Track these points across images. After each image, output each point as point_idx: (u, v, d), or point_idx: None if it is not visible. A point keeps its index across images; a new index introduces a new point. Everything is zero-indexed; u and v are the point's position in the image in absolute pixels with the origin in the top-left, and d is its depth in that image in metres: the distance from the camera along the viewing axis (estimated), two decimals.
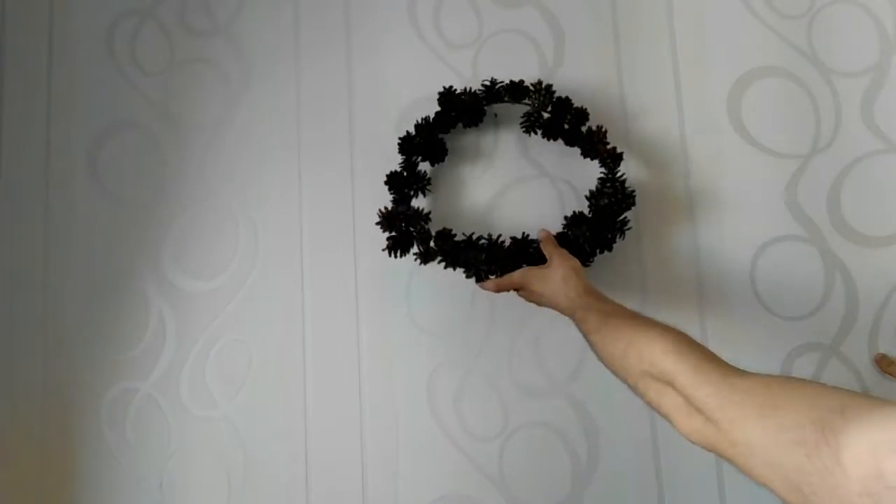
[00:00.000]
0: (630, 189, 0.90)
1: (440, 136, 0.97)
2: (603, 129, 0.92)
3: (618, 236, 0.90)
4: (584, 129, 0.93)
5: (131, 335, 1.03)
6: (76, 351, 1.04)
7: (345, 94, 1.05)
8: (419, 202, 0.96)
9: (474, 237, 0.91)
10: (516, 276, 0.85)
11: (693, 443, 0.54)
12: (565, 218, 0.91)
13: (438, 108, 0.95)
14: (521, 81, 0.94)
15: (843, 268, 0.95)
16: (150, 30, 1.10)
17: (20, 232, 1.07)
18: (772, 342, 0.95)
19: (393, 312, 1.00)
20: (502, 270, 0.88)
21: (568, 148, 0.96)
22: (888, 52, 0.98)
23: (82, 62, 1.10)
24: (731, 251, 0.97)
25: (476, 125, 0.97)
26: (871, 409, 0.40)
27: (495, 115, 0.99)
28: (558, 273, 0.80)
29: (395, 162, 0.95)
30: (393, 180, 0.94)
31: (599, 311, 0.72)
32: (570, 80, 1.01)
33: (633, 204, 0.90)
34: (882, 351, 0.93)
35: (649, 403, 0.60)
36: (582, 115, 0.93)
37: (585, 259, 0.89)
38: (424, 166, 0.97)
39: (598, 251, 0.90)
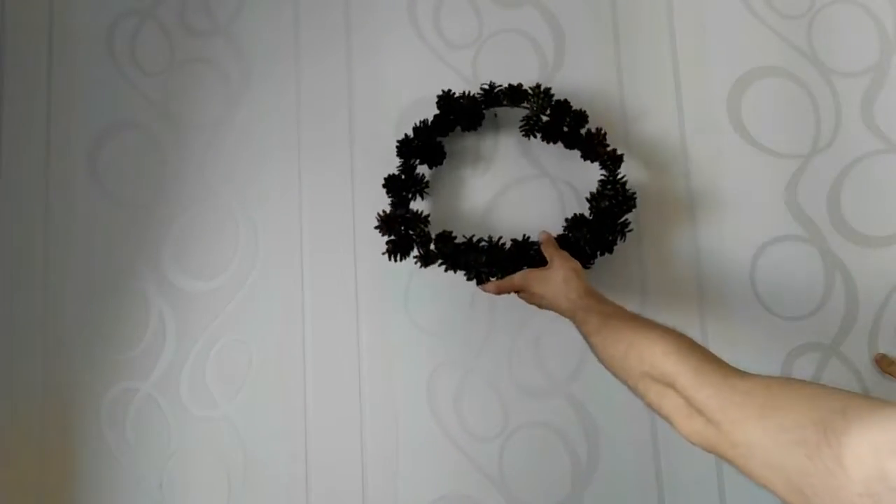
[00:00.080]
0: (631, 191, 0.90)
1: (438, 139, 0.97)
2: (602, 132, 0.92)
3: (618, 238, 0.90)
4: (583, 131, 0.93)
5: (131, 335, 1.03)
6: (76, 351, 1.04)
7: (345, 94, 1.05)
8: (418, 205, 0.96)
9: (474, 239, 0.90)
10: (517, 278, 0.85)
11: (694, 444, 0.54)
12: (566, 220, 0.91)
13: (437, 111, 0.95)
14: (520, 85, 0.94)
15: (843, 268, 0.95)
16: (150, 30, 1.10)
17: (20, 232, 1.07)
18: (772, 342, 0.95)
19: (393, 312, 1.00)
20: (503, 272, 0.88)
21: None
22: (888, 52, 0.98)
23: (82, 62, 1.10)
24: (731, 251, 0.97)
25: (475, 129, 0.97)
26: (872, 410, 0.40)
27: (495, 114, 0.99)
28: (559, 275, 0.80)
29: (395, 162, 0.95)
30: (391, 183, 0.94)
31: (600, 313, 0.71)
32: (570, 80, 1.01)
33: (634, 206, 0.90)
34: (882, 351, 0.93)
35: (650, 405, 0.60)
36: (581, 117, 0.93)
37: (586, 261, 0.89)
38: (423, 170, 0.97)
39: (598, 253, 0.90)
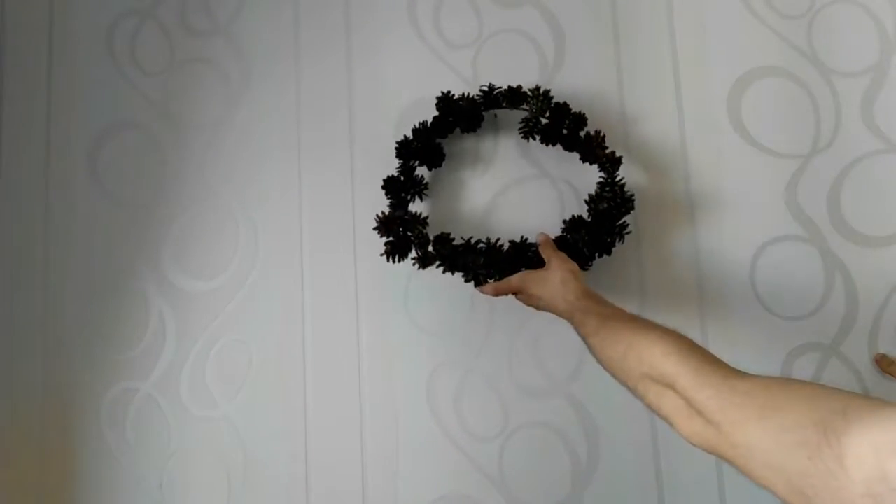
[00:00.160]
0: (629, 193, 0.90)
1: (438, 140, 0.96)
2: (601, 134, 0.92)
3: (617, 240, 0.90)
4: (582, 133, 0.93)
5: (131, 335, 1.03)
6: (76, 351, 1.04)
7: (345, 94, 1.05)
8: (417, 207, 0.96)
9: (472, 241, 0.90)
10: (514, 279, 0.85)
11: (694, 445, 0.54)
12: (564, 221, 0.91)
13: (437, 112, 0.95)
14: (519, 87, 0.94)
15: (843, 268, 0.95)
16: (150, 30, 1.10)
17: (20, 232, 1.07)
18: (772, 342, 0.95)
19: (393, 312, 1.00)
20: (501, 274, 0.88)
21: None
22: (888, 52, 0.98)
23: (82, 62, 1.10)
24: (731, 251, 0.97)
25: (474, 130, 0.97)
26: (872, 411, 0.40)
27: (495, 115, 0.99)
28: (556, 276, 0.80)
29: (395, 162, 0.95)
30: (390, 185, 0.94)
31: (598, 315, 0.71)
32: (570, 80, 1.01)
33: (633, 208, 0.90)
34: (882, 351, 0.93)
35: (649, 406, 0.60)
36: (580, 119, 0.93)
37: (584, 263, 0.89)
38: (422, 171, 0.97)
39: (596, 255, 0.90)
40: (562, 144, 0.94)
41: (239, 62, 1.08)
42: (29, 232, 1.07)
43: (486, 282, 0.89)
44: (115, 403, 1.02)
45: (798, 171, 0.97)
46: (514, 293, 0.87)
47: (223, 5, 1.09)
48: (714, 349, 0.96)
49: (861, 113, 0.97)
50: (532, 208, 1.00)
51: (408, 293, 1.00)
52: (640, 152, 1.00)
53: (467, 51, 1.04)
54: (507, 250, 0.90)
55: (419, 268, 0.91)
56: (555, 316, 0.80)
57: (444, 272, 0.90)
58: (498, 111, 0.98)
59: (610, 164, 0.91)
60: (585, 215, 0.91)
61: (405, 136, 0.95)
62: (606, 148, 0.91)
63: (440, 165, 0.98)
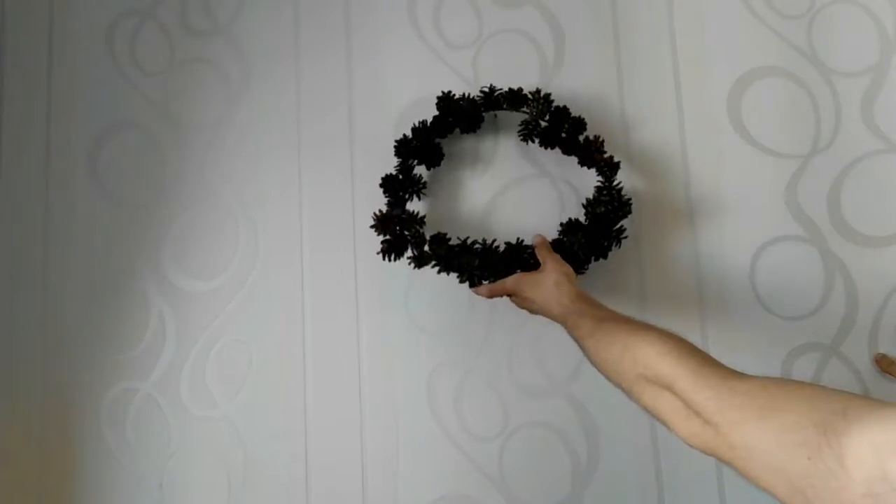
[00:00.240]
0: (626, 197, 0.89)
1: (437, 140, 0.96)
2: (600, 139, 0.92)
3: (614, 244, 0.90)
4: (581, 138, 0.93)
5: (131, 335, 1.03)
6: (76, 351, 1.04)
7: (345, 93, 1.05)
8: (416, 206, 0.96)
9: (469, 241, 0.90)
10: (509, 282, 0.85)
11: (691, 447, 0.53)
12: (561, 224, 0.91)
13: (437, 112, 0.95)
14: (520, 89, 0.94)
15: (843, 268, 0.95)
16: (150, 30, 1.10)
17: (20, 232, 1.07)
18: (772, 342, 0.95)
19: (393, 312, 1.00)
20: (496, 276, 0.88)
21: None
22: (888, 52, 0.98)
23: (82, 62, 1.10)
24: (730, 252, 0.97)
25: (474, 131, 0.97)
26: (872, 411, 0.40)
27: (495, 115, 0.99)
28: (550, 278, 0.80)
29: (394, 162, 0.95)
30: (388, 183, 0.94)
31: (593, 317, 0.71)
32: (570, 80, 1.01)
33: (630, 212, 0.89)
34: (882, 351, 0.93)
35: (644, 408, 0.60)
36: (580, 124, 0.93)
37: (580, 266, 0.89)
38: (421, 171, 0.97)
39: (593, 258, 0.90)
40: (560, 148, 0.94)
41: (239, 62, 1.08)
42: (29, 232, 1.07)
43: (481, 283, 0.89)
44: (115, 403, 1.02)
45: (798, 171, 0.97)
46: (509, 295, 0.86)
47: (223, 5, 1.09)
48: (714, 349, 0.96)
49: (861, 113, 0.97)
50: (531, 209, 1.00)
51: (408, 293, 1.00)
52: (639, 152, 1.00)
53: (467, 51, 1.04)
54: (503, 252, 0.90)
55: (414, 267, 0.91)
56: None
57: (439, 272, 0.90)
58: (498, 113, 0.98)
59: (608, 168, 0.91)
60: (583, 218, 0.91)
61: (404, 135, 0.95)
62: (605, 153, 0.91)
63: (439, 165, 0.98)
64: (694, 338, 0.95)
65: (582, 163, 0.93)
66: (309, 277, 1.02)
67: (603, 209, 0.88)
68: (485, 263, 0.88)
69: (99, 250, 1.06)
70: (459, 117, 0.94)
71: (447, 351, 0.99)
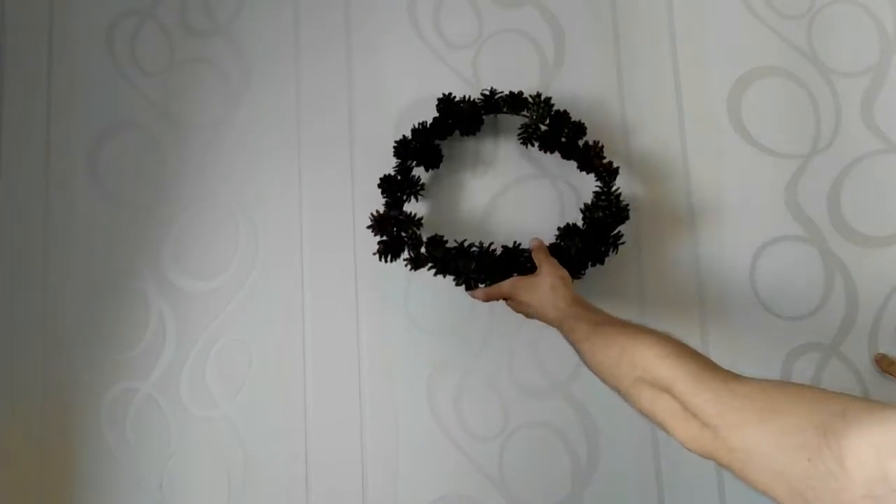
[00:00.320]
0: (625, 203, 0.89)
1: (437, 142, 0.96)
2: (599, 144, 0.92)
3: (611, 250, 0.89)
4: (581, 143, 0.93)
5: (131, 335, 1.03)
6: (76, 351, 1.04)
7: (345, 93, 1.05)
8: (414, 208, 0.96)
9: (465, 244, 0.90)
10: (505, 285, 0.85)
11: (689, 450, 0.53)
12: (558, 229, 0.91)
13: (437, 113, 0.95)
14: (521, 93, 0.94)
15: (843, 268, 0.95)
16: (150, 30, 1.10)
17: (20, 232, 1.07)
18: (772, 342, 0.95)
19: (393, 313, 1.00)
20: (492, 279, 0.88)
21: None
22: (888, 52, 0.98)
23: (82, 62, 1.10)
24: (730, 251, 0.97)
25: (473, 134, 0.97)
26: (871, 412, 0.40)
27: (495, 116, 0.99)
28: (546, 282, 0.79)
29: (395, 162, 0.95)
30: (386, 184, 0.94)
31: (589, 321, 0.71)
32: (570, 80, 1.01)
33: (627, 218, 0.89)
34: (882, 351, 0.93)
35: (641, 411, 0.59)
36: (579, 129, 0.93)
37: (577, 271, 0.88)
38: (420, 172, 0.97)
39: (590, 264, 0.89)
40: (560, 153, 0.94)
41: (239, 62, 1.08)
42: (29, 232, 1.07)
43: (478, 286, 0.89)
44: (115, 403, 1.02)
45: (798, 171, 0.97)
46: (505, 299, 0.86)
47: (223, 5, 1.09)
48: (714, 348, 0.96)
49: (861, 113, 0.97)
50: (531, 211, 0.99)
51: (408, 293, 1.00)
52: (639, 152, 1.00)
53: (467, 51, 1.04)
54: (500, 255, 0.89)
55: (411, 269, 0.91)
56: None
57: (435, 275, 0.90)
58: (498, 115, 0.98)
59: (607, 174, 0.90)
60: (581, 222, 0.91)
61: (404, 136, 0.95)
62: (604, 158, 0.91)
63: (438, 167, 0.98)
64: (694, 337, 0.96)
65: (581, 168, 0.93)
66: (309, 277, 1.02)
67: (601, 214, 0.88)
68: (481, 267, 0.88)
69: (99, 250, 1.06)
70: (460, 119, 0.94)
71: (447, 351, 0.99)
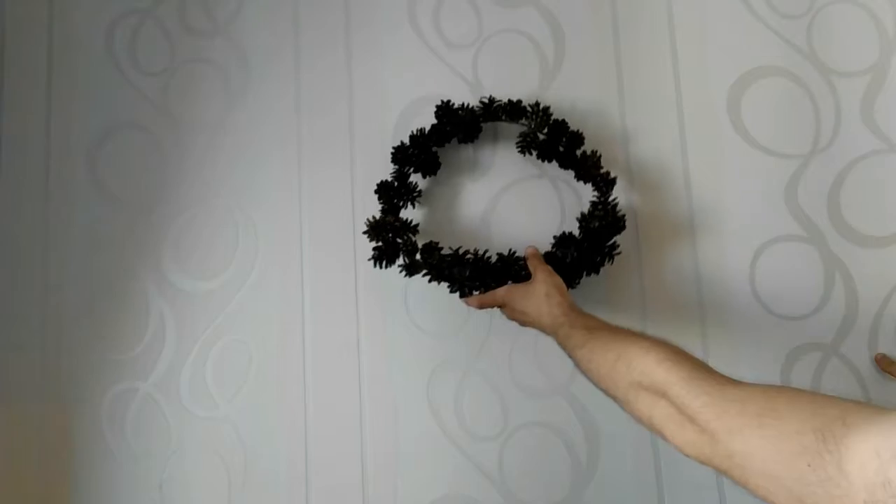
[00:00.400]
0: (621, 213, 0.89)
1: (434, 149, 0.96)
2: (597, 154, 0.92)
3: (606, 260, 0.89)
4: (578, 152, 0.93)
5: (131, 335, 1.03)
6: (76, 351, 1.04)
7: (345, 93, 1.05)
8: (411, 214, 0.96)
9: (461, 251, 0.90)
10: (499, 293, 0.85)
11: (686, 455, 0.53)
12: (554, 237, 0.91)
13: (435, 120, 0.95)
14: (519, 101, 0.94)
15: (843, 268, 0.95)
16: (150, 30, 1.10)
17: (20, 232, 1.07)
18: (772, 342, 0.95)
19: (393, 313, 1.00)
20: (486, 287, 0.88)
21: None
22: (888, 52, 0.98)
23: (82, 62, 1.10)
24: (730, 251, 0.97)
25: (471, 141, 0.97)
26: (871, 417, 0.40)
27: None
28: (541, 289, 0.79)
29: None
30: (383, 190, 0.94)
31: (584, 327, 0.71)
32: (570, 80, 1.01)
33: (623, 228, 0.89)
34: (882, 351, 0.93)
35: (638, 416, 0.59)
36: (577, 138, 0.93)
37: (572, 280, 0.88)
38: (417, 178, 0.97)
39: (585, 273, 0.89)
40: (558, 162, 0.94)
41: (239, 62, 1.08)
42: (29, 232, 1.07)
43: (472, 293, 0.89)
44: (115, 403, 1.02)
45: (798, 171, 0.97)
46: (500, 306, 0.86)
47: (223, 5, 1.09)
48: (714, 348, 0.96)
49: (861, 113, 0.97)
50: (529, 215, 0.99)
51: (408, 293, 1.00)
52: (639, 152, 1.00)
53: (467, 51, 1.04)
54: (495, 263, 0.89)
55: (405, 275, 0.91)
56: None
57: (430, 281, 0.90)
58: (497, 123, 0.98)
59: (604, 184, 0.90)
60: (577, 231, 0.91)
61: (402, 142, 0.95)
62: (602, 168, 0.91)
63: (435, 174, 0.98)
64: (694, 337, 0.96)
65: (578, 177, 0.93)
66: (309, 277, 1.02)
67: (597, 224, 0.88)
68: (476, 274, 0.87)
69: (99, 250, 1.06)
70: (458, 127, 0.94)
71: (447, 351, 0.99)
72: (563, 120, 0.93)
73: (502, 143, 1.01)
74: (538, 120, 0.92)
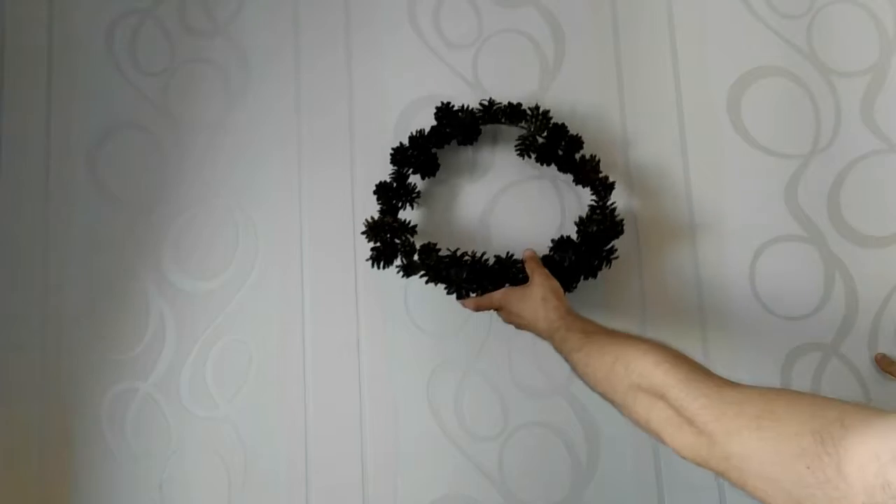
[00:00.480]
0: (619, 218, 0.89)
1: (434, 150, 0.96)
2: (596, 159, 0.92)
3: (604, 264, 0.89)
4: (577, 156, 0.93)
5: (131, 335, 1.03)
6: (76, 351, 1.04)
7: (345, 93, 1.05)
8: (410, 215, 0.96)
9: (458, 253, 0.90)
10: (496, 295, 0.85)
11: (684, 457, 0.53)
12: (552, 241, 0.91)
13: (435, 121, 0.95)
14: (519, 104, 0.94)
15: (843, 268, 0.95)
16: (150, 30, 1.10)
17: (20, 232, 1.07)
18: (772, 342, 0.95)
19: (393, 312, 1.00)
20: (484, 289, 0.88)
21: None
22: (888, 52, 0.98)
23: (82, 62, 1.10)
24: (730, 251, 0.97)
25: (471, 143, 0.97)
26: (870, 419, 0.40)
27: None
28: (538, 293, 0.79)
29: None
30: (381, 190, 0.94)
31: (581, 331, 0.71)
32: (570, 79, 1.01)
33: (622, 233, 0.89)
34: (882, 351, 0.93)
35: (636, 419, 0.59)
36: (576, 143, 0.93)
37: (569, 284, 0.88)
38: (416, 179, 0.97)
39: (582, 277, 0.89)
40: (557, 165, 0.94)
41: (239, 62, 1.08)
42: (29, 232, 1.07)
43: (469, 295, 0.89)
44: (115, 403, 1.02)
45: (798, 171, 0.97)
46: (496, 309, 0.86)
47: (223, 5, 1.09)
48: (714, 349, 0.96)
49: (861, 113, 0.97)
50: (529, 217, 0.99)
51: (408, 293, 1.00)
52: (639, 151, 1.00)
53: (467, 51, 1.04)
54: (492, 265, 0.89)
55: (403, 276, 0.91)
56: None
57: (427, 282, 0.90)
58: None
59: (603, 188, 0.91)
60: (579, 229, 0.90)
61: (401, 143, 0.95)
62: (600, 172, 0.91)
63: (434, 175, 0.98)
64: (694, 337, 0.96)
65: (577, 182, 0.93)
66: (309, 277, 1.02)
67: (595, 228, 0.88)
68: (473, 276, 0.87)
69: (99, 250, 1.06)
70: (457, 129, 0.94)
71: (447, 351, 0.99)
72: (563, 123, 0.93)
73: (501, 145, 1.01)
74: (538, 123, 0.92)
